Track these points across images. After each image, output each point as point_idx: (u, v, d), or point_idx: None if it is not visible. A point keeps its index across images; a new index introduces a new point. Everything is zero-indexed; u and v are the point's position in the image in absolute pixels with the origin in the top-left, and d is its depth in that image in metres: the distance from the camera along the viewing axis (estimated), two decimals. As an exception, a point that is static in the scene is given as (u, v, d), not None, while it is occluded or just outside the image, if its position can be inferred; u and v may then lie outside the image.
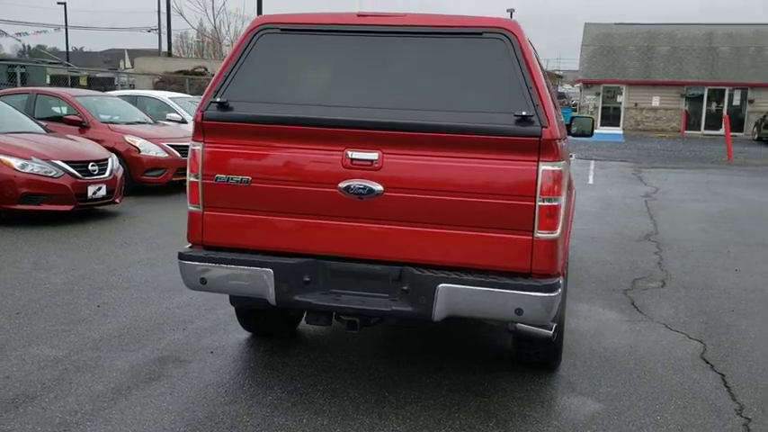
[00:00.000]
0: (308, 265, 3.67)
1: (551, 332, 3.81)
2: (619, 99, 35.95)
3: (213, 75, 15.03)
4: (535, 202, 3.42)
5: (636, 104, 35.77)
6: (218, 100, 3.72)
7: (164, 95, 14.36)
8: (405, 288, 3.57)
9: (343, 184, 3.59)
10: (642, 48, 36.68)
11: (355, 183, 3.57)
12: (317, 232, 3.70)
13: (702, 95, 35.84)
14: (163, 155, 11.06)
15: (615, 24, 38.91)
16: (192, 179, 3.84)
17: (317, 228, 3.69)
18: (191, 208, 3.88)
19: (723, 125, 24.83)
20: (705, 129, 35.72)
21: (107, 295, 5.77)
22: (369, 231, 3.64)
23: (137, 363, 4.36)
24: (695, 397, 4.19)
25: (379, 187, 3.55)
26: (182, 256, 3.82)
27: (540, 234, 3.45)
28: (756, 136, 31.56)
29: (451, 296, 3.47)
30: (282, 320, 4.78)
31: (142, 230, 8.44)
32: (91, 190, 8.73)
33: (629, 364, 4.69)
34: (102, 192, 8.89)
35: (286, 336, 4.88)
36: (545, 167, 3.41)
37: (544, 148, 3.40)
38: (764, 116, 30.91)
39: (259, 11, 22.63)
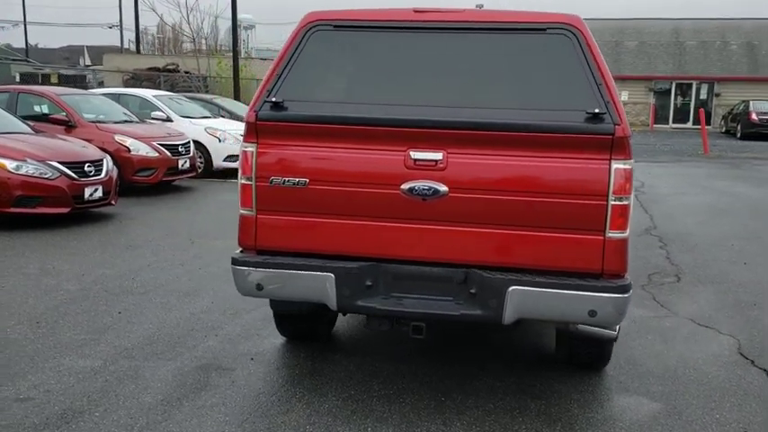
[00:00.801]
0: (370, 268, 3.57)
1: (616, 333, 3.76)
2: (589, 93, 36.23)
3: (186, 72, 14.83)
4: (607, 201, 3.37)
5: (608, 98, 36.18)
6: (273, 99, 3.59)
7: (147, 93, 14.06)
8: (472, 291, 3.49)
9: (406, 186, 3.49)
10: (611, 43, 37.09)
11: (420, 184, 3.47)
12: (377, 235, 3.60)
13: (670, 89, 36.41)
14: (153, 154, 10.80)
15: (584, 20, 39.18)
16: (245, 182, 3.70)
17: (378, 230, 3.59)
18: (242, 211, 3.74)
19: (699, 119, 25.25)
20: (673, 122, 36.30)
21: (126, 301, 5.58)
22: (432, 233, 3.55)
23: (178, 372, 4.21)
24: (746, 394, 4.19)
25: (444, 188, 3.46)
26: (236, 262, 3.68)
27: (612, 234, 3.40)
28: (724, 129, 32.18)
29: (523, 299, 3.40)
30: (321, 324, 4.67)
31: (144, 233, 8.21)
32: (87, 192, 8.47)
33: (672, 361, 4.68)
34: (99, 193, 8.64)
35: (324, 340, 4.77)
36: (617, 166, 3.36)
37: (617, 146, 3.35)
38: (731, 109, 31.51)
39: (234, 8, 22.28)
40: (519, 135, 3.41)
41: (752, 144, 25.98)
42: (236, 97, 20.68)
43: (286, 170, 3.63)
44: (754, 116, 28.25)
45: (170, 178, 11.24)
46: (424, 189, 3.47)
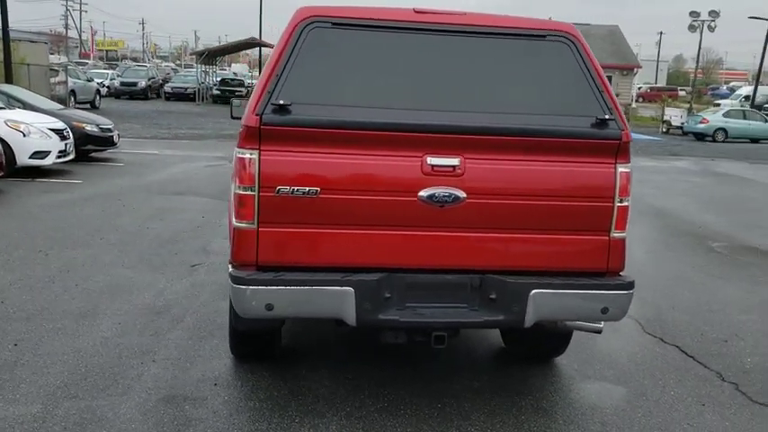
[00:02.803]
0: (387, 280, 3.42)
1: (602, 325, 3.97)
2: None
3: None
4: (614, 203, 3.55)
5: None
6: (279, 102, 3.28)
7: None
8: (492, 297, 3.49)
9: (424, 193, 3.39)
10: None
11: (441, 190, 3.39)
12: (392, 244, 3.46)
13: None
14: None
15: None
16: (243, 192, 3.35)
17: (392, 239, 3.46)
18: (239, 224, 3.39)
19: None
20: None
21: (13, 330, 4.77)
22: (447, 240, 3.50)
23: (144, 408, 3.71)
24: (677, 369, 4.67)
25: (462, 194, 3.42)
26: (242, 281, 3.32)
27: (616, 234, 3.60)
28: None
29: (543, 301, 3.47)
30: (276, 341, 4.37)
31: (-23, 245, 7.04)
32: None
33: (600, 345, 5.04)
34: None
35: (276, 356, 4.46)
36: (622, 169, 3.55)
37: (621, 151, 3.54)
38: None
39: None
40: (535, 140, 3.46)
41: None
42: (8, 83, 18.39)
43: (295, 179, 3.34)
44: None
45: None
46: (444, 196, 3.40)
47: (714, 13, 36.25)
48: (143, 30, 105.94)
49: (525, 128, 3.45)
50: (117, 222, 8.43)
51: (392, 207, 3.41)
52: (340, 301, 3.35)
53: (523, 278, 3.49)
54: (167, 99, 36.71)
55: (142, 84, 36.98)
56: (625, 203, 3.59)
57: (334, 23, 3.49)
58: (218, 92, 37.95)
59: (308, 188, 3.34)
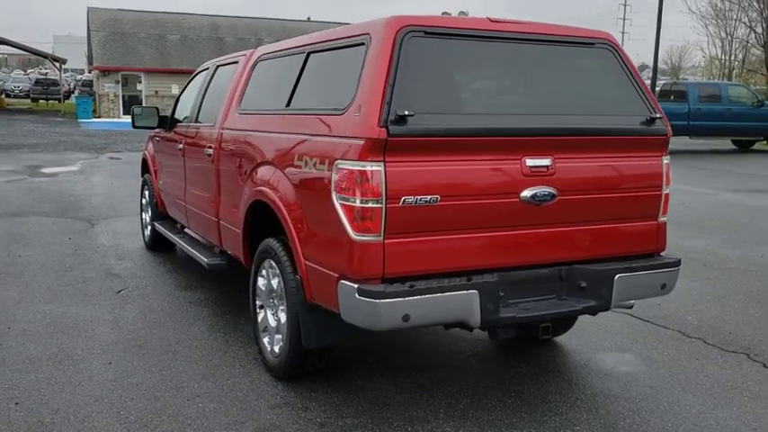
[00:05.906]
0: (501, 279, 3.56)
1: (633, 302, 4.43)
2: (139, 87, 35.41)
3: None
4: (662, 191, 4.03)
5: (156, 92, 35.56)
6: (405, 113, 3.26)
7: None
8: (582, 285, 3.78)
9: (526, 193, 3.60)
10: (154, 36, 36.76)
11: (540, 190, 3.62)
12: (498, 244, 3.62)
13: (215, 82, 37.80)
14: None
15: (119, 10, 37.98)
16: (368, 205, 3.30)
17: (499, 240, 3.62)
18: (363, 238, 3.32)
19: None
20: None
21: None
22: (542, 236, 3.73)
23: (249, 445, 3.45)
24: (649, 332, 5.33)
25: (555, 192, 3.67)
26: (381, 295, 3.25)
27: (662, 218, 4.09)
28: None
29: (624, 284, 3.85)
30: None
31: None
32: None
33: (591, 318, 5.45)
34: None
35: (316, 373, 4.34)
36: (666, 161, 4.04)
37: (666, 145, 4.02)
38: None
39: None
40: (611, 138, 3.82)
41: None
42: None
43: (418, 188, 3.35)
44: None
45: None
46: (544, 194, 3.62)
47: (463, 14, 39.63)
48: None
49: (605, 128, 3.81)
50: (-23, 253, 7.32)
51: (499, 208, 3.57)
52: (467, 304, 3.43)
53: (609, 265, 3.83)
54: None
55: None
56: (667, 191, 4.08)
57: (426, 32, 3.53)
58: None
59: (429, 196, 3.37)
